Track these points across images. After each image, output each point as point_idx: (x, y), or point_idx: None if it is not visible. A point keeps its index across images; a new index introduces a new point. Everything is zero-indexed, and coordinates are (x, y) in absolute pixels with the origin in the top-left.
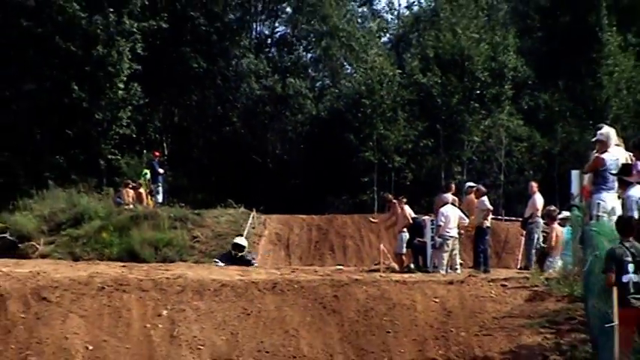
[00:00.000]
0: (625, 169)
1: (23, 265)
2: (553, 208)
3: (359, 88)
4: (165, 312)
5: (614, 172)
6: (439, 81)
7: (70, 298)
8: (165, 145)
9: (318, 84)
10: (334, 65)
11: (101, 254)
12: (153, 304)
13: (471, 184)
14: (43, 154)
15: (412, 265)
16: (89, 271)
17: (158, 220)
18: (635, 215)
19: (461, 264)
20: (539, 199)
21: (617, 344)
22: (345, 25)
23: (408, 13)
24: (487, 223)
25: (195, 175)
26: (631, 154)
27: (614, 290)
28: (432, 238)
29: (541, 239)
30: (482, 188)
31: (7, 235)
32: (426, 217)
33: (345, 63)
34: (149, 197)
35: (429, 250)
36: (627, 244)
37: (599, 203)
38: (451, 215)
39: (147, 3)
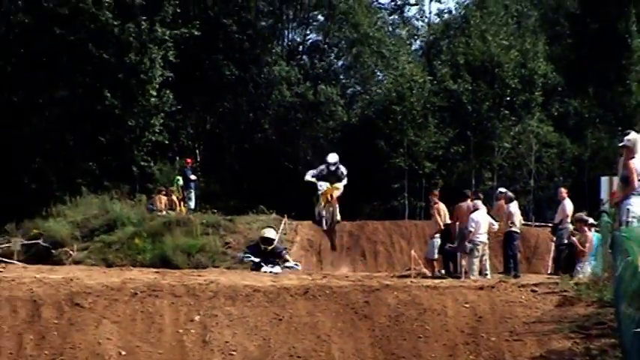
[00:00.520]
0: None
1: (57, 271)
2: (584, 213)
3: (389, 95)
4: (197, 317)
5: None
6: (469, 87)
7: (103, 304)
8: (197, 151)
9: (349, 91)
10: (365, 72)
11: (134, 260)
12: (185, 309)
13: (502, 189)
14: (75, 160)
15: (443, 271)
16: (122, 277)
17: (190, 226)
18: None
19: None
20: (568, 205)
21: None
22: (375, 32)
23: (438, 20)
24: (515, 229)
25: (228, 182)
26: None
27: None
28: (460, 244)
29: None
30: (510, 194)
31: (40, 241)
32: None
33: (375, 70)
34: (182, 204)
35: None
36: None
37: (628, 209)
38: (481, 221)
39: (179, 10)
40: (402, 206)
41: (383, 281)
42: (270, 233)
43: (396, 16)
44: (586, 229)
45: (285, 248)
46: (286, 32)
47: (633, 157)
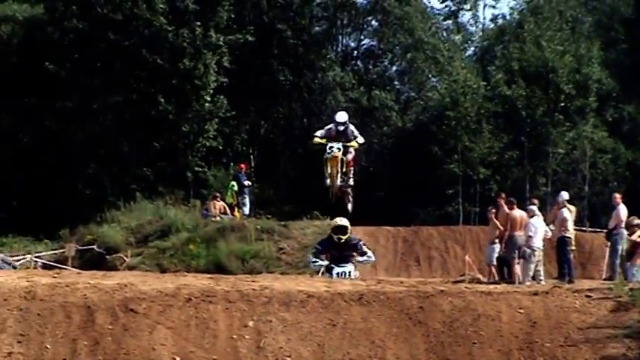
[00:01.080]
0: None
1: (111, 277)
2: (635, 218)
3: (444, 101)
4: (251, 323)
5: None
6: (524, 93)
7: (158, 310)
8: (251, 157)
9: (403, 96)
10: (419, 77)
11: (188, 266)
12: (239, 315)
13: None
14: (130, 166)
15: (497, 277)
16: (176, 282)
17: (245, 231)
18: None
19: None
20: (623, 211)
21: None
22: (430, 37)
23: (492, 25)
24: (568, 234)
25: (282, 187)
26: None
27: None
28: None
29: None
30: (561, 198)
31: (94, 247)
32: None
33: (429, 75)
34: (236, 209)
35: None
36: None
37: None
38: (539, 227)
39: (233, 16)
40: (457, 212)
41: (437, 287)
42: (343, 221)
43: (450, 22)
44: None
45: (360, 240)
46: (340, 37)
47: None
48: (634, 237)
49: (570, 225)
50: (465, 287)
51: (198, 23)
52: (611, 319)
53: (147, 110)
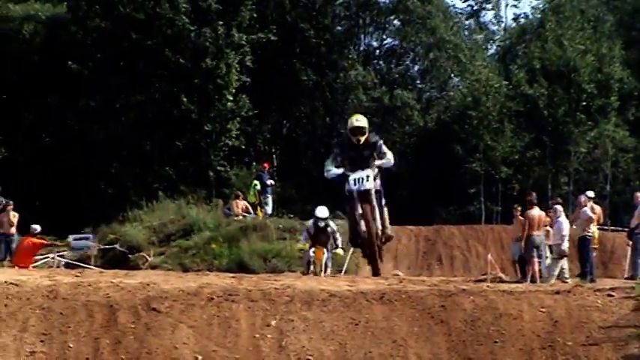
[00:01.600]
0: None
1: (133, 276)
2: None
3: (465, 100)
4: (274, 322)
5: None
6: (545, 92)
7: (180, 309)
8: (274, 156)
9: (425, 95)
10: (441, 77)
11: (210, 265)
12: (262, 314)
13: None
14: (152, 165)
15: (519, 275)
16: (198, 281)
17: (267, 231)
18: None
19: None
20: None
21: None
22: (452, 37)
23: (514, 24)
24: (589, 233)
25: (304, 186)
26: None
27: None
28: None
29: None
30: (583, 197)
31: (117, 246)
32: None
33: (452, 74)
34: (258, 208)
35: (542, 260)
36: None
37: None
38: (566, 226)
39: (256, 15)
40: (479, 211)
41: (459, 286)
42: (360, 121)
43: (472, 21)
44: None
45: (380, 138)
46: (363, 37)
47: None
48: None
49: (592, 224)
50: (487, 286)
51: (221, 22)
52: (632, 318)
53: (169, 109)
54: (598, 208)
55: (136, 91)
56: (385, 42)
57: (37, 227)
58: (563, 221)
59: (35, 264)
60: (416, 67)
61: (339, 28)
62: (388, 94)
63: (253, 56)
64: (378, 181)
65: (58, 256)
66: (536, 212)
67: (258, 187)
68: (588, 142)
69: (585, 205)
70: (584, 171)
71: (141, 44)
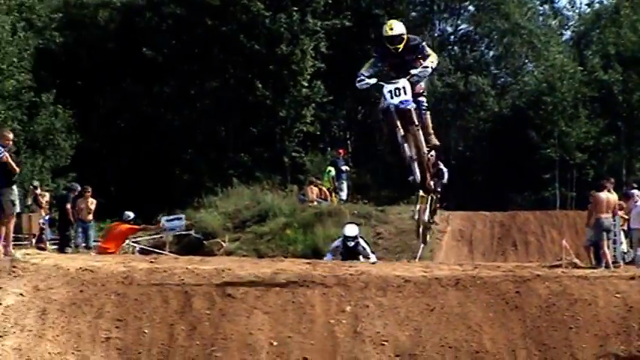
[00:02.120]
0: None
1: (208, 262)
2: None
3: (540, 86)
4: (348, 308)
5: None
6: (620, 78)
7: (255, 295)
8: (348, 142)
9: (499, 81)
10: (516, 62)
11: (285, 251)
12: (336, 300)
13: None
14: (227, 151)
15: (593, 261)
16: (273, 267)
17: (342, 217)
18: None
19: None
20: None
21: None
22: (526, 22)
23: (588, 10)
24: None
25: (379, 172)
26: None
27: None
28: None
29: None
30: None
31: (192, 232)
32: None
33: (526, 60)
34: (333, 194)
35: (616, 246)
36: None
37: None
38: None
39: (330, 1)
40: (553, 197)
41: (534, 271)
42: (396, 28)
43: (547, 7)
44: None
45: (422, 40)
46: (437, 22)
47: None
48: None
49: None
50: (562, 272)
51: (296, 8)
52: None
53: (244, 96)
54: None
55: (210, 78)
56: (460, 28)
57: (131, 214)
58: None
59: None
60: (490, 53)
61: (413, 13)
62: (463, 79)
63: (328, 42)
64: (423, 84)
65: (132, 242)
66: (604, 195)
67: (333, 173)
68: None
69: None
70: None
71: (216, 30)
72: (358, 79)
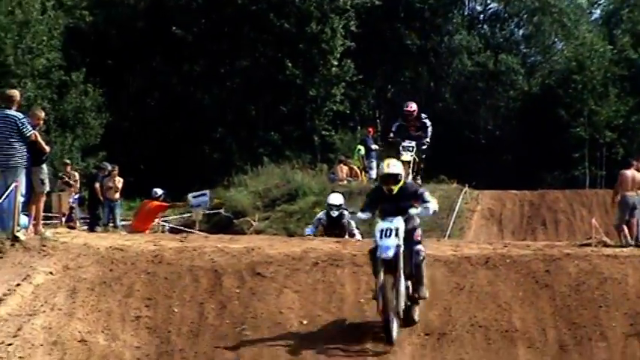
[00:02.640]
0: None
1: (238, 240)
2: None
3: (570, 64)
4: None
5: None
6: None
7: (285, 274)
8: (378, 120)
9: (529, 60)
10: (545, 41)
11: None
12: (366, 278)
13: None
14: (257, 130)
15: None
16: (303, 246)
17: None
18: None
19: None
20: None
21: None
22: (556, 1)
23: None
24: None
25: None
26: None
27: None
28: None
29: None
30: None
31: (222, 211)
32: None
33: (555, 39)
34: (363, 173)
35: None
36: None
37: None
38: None
39: None
40: (583, 175)
41: (564, 250)
42: (392, 167)
43: None
44: None
45: (420, 187)
46: (467, 1)
47: None
48: None
49: None
50: (592, 250)
51: None
52: None
53: (274, 75)
54: None
55: (240, 57)
56: (489, 6)
57: (159, 191)
58: None
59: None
60: (520, 32)
61: None
62: (492, 58)
63: (358, 21)
64: (417, 220)
65: (162, 221)
66: (630, 172)
67: (363, 151)
68: None
69: None
70: None
71: (245, 9)
72: (351, 211)
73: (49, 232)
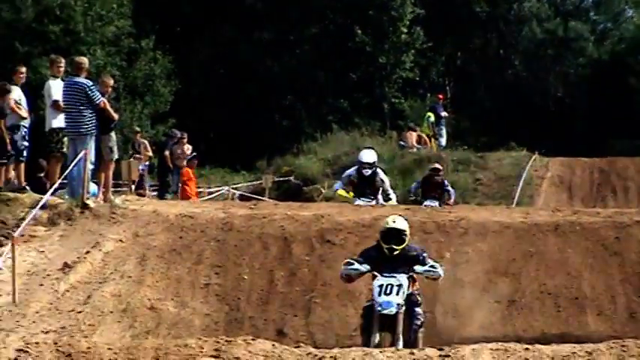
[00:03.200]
0: None
1: (307, 208)
2: None
3: (639, 32)
4: (448, 254)
5: None
6: None
7: (354, 241)
8: (447, 88)
9: (599, 27)
10: (615, 8)
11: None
12: (436, 246)
13: None
14: (326, 97)
15: None
16: (372, 214)
17: (441, 163)
18: None
19: None
20: None
21: None
22: None
23: None
24: None
25: (478, 118)
26: None
27: None
28: None
29: None
30: None
31: (291, 178)
32: None
33: (625, 6)
34: (432, 140)
35: None
36: None
37: None
38: None
39: None
40: None
41: (633, 217)
42: (399, 222)
43: None
44: None
45: (423, 250)
46: None
47: None
48: None
49: None
50: None
51: None
52: None
53: (343, 42)
54: None
55: (309, 24)
56: None
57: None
58: None
59: (210, 196)
60: None
61: None
62: (562, 25)
63: None
64: (420, 298)
65: (232, 188)
66: None
67: (432, 119)
68: None
69: None
70: None
71: None
72: (346, 261)
73: (118, 200)
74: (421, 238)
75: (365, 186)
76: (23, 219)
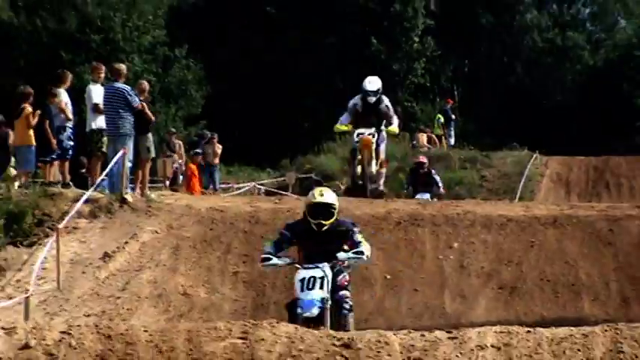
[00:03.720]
0: None
1: None
2: None
3: (631, 41)
4: (456, 245)
5: None
6: None
7: (370, 232)
8: (456, 92)
9: (594, 37)
10: (609, 19)
11: (398, 193)
12: (445, 237)
13: None
14: (345, 101)
15: None
16: (387, 207)
17: (450, 161)
18: None
19: None
20: None
21: None
22: None
23: None
24: None
25: (484, 120)
26: None
27: None
28: None
29: None
30: None
31: (312, 175)
32: None
33: (619, 17)
34: (442, 140)
35: None
36: None
37: None
38: None
39: None
40: None
41: (626, 211)
42: (327, 196)
43: None
44: None
45: (354, 224)
46: None
47: None
48: None
49: None
50: None
51: None
52: None
53: (361, 50)
54: None
55: (330, 33)
56: None
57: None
58: None
59: (238, 192)
60: (586, 10)
61: None
62: (560, 35)
63: (438, 1)
64: (347, 276)
65: (258, 184)
66: None
67: (442, 120)
68: None
69: None
70: None
71: None
72: (263, 255)
73: (154, 195)
74: (431, 230)
75: (369, 114)
76: (67, 212)
